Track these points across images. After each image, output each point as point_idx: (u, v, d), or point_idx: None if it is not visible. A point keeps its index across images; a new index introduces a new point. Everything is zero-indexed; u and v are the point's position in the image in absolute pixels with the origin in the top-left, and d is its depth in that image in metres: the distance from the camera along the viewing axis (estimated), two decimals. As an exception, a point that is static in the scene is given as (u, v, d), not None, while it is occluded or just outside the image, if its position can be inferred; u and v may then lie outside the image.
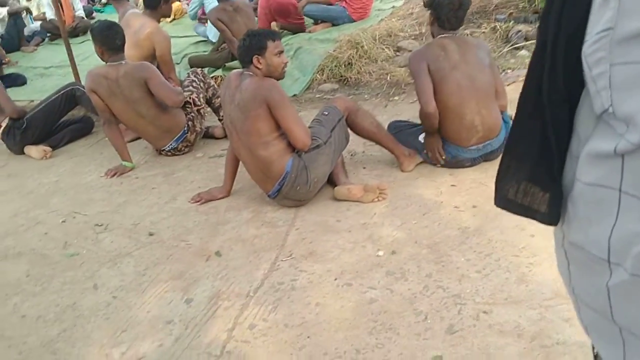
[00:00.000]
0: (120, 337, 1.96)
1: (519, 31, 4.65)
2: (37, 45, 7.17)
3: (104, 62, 3.33)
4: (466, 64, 2.72)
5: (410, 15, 5.87)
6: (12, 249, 2.66)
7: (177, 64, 5.04)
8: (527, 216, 0.74)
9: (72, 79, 4.58)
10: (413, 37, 5.12)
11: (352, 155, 3.21)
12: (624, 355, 0.62)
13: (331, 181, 2.79)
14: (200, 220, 2.72)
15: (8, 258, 2.58)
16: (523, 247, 2.18)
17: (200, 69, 3.88)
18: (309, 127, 2.68)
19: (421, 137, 2.94)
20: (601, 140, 0.59)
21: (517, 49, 4.51)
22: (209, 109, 3.76)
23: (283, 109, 2.52)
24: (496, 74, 2.83)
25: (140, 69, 3.29)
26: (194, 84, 3.62)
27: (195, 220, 2.73)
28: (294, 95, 4.35)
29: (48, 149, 3.86)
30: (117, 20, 3.80)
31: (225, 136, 3.46)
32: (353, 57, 4.60)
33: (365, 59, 4.62)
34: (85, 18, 7.76)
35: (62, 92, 3.98)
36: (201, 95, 3.61)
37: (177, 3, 7.58)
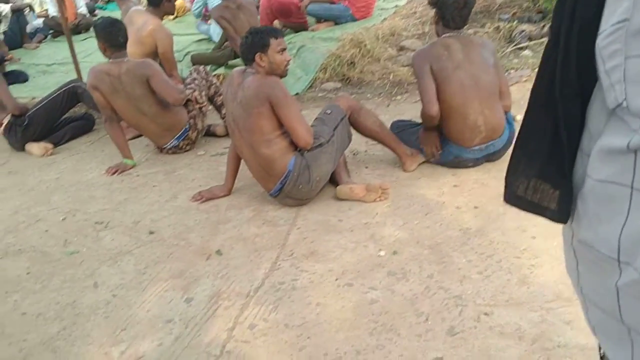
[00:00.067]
0: (119, 336, 1.95)
1: (523, 31, 4.63)
2: (40, 42, 7.16)
3: (107, 59, 3.32)
4: (470, 63, 2.70)
5: (413, 15, 5.86)
6: (13, 246, 2.66)
7: (180, 61, 5.03)
8: (536, 213, 0.73)
9: (74, 76, 4.58)
10: (416, 37, 5.11)
11: (354, 154, 3.20)
12: (632, 356, 0.61)
13: (333, 180, 2.79)
14: (201, 219, 2.71)
15: (8, 255, 2.58)
16: (524, 249, 2.17)
17: (202, 66, 3.87)
18: (312, 126, 2.67)
19: (423, 137, 2.93)
20: (613, 136, 0.58)
21: (521, 49, 4.50)
22: (210, 106, 3.75)
23: (286, 107, 2.51)
24: (501, 74, 2.82)
25: (143, 67, 3.28)
26: (196, 82, 3.61)
27: (196, 219, 2.72)
28: (297, 93, 4.34)
29: (49, 146, 3.86)
30: (119, 18, 3.80)
31: (227, 134, 3.46)
32: (356, 56, 4.59)
33: (368, 58, 4.61)
34: (88, 15, 7.75)
35: (64, 89, 3.98)
36: (203, 93, 3.60)
37: (180, 0, 7.56)
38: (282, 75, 2.63)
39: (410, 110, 3.73)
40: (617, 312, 0.61)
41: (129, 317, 2.05)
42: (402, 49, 4.89)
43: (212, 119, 3.85)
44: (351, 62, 4.58)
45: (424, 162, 2.96)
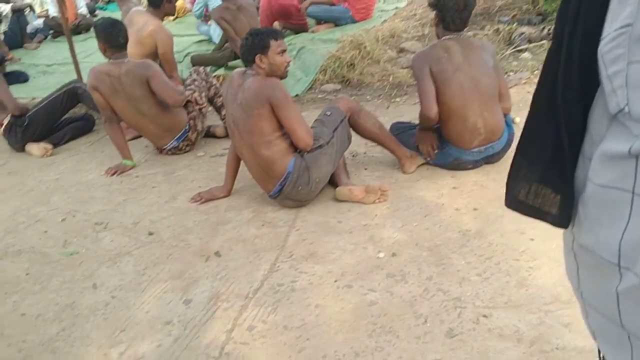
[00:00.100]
0: (119, 337, 1.95)
1: (522, 33, 4.64)
2: (40, 42, 7.17)
3: (107, 59, 3.32)
4: (470, 65, 2.71)
5: (413, 17, 5.86)
6: (12, 246, 2.66)
7: (180, 62, 5.04)
8: (538, 218, 0.73)
9: (74, 77, 4.57)
10: (416, 39, 5.11)
11: (353, 156, 3.21)
12: None
13: (332, 182, 2.79)
14: (200, 220, 2.72)
15: (8, 256, 2.58)
16: (523, 251, 2.17)
17: (202, 67, 3.87)
18: (312, 127, 2.67)
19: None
20: (615, 141, 0.58)
21: (520, 51, 4.50)
22: (210, 107, 3.76)
23: (286, 108, 2.52)
24: (500, 77, 2.82)
25: (143, 67, 3.28)
26: (196, 83, 3.62)
27: (195, 220, 2.72)
28: (297, 95, 4.34)
29: (49, 146, 3.86)
30: (120, 18, 3.80)
31: (227, 135, 3.46)
32: (356, 57, 4.60)
33: (367, 59, 4.62)
34: (88, 15, 7.76)
35: (64, 89, 3.98)
36: (203, 94, 3.61)
37: (181, 1, 7.57)
38: (282, 76, 2.64)
39: (409, 112, 3.74)
40: (617, 316, 0.61)
41: (128, 319, 2.05)
42: (401, 50, 4.89)
43: (212, 120, 3.85)
44: (351, 64, 4.59)
45: (423, 164, 2.97)
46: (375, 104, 4.05)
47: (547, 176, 0.70)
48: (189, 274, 2.28)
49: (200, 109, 3.58)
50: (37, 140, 3.88)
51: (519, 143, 0.74)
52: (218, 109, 3.72)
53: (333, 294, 2.06)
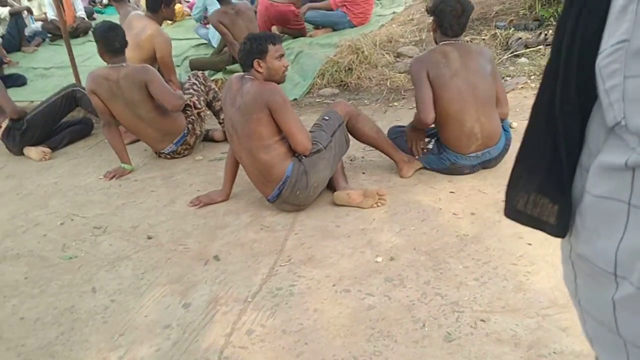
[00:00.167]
0: (117, 341, 1.96)
1: (519, 38, 4.66)
2: (38, 45, 7.16)
3: (105, 63, 3.33)
4: (467, 71, 2.72)
5: (410, 21, 5.89)
6: (11, 250, 2.66)
7: (178, 66, 5.05)
8: (536, 227, 0.74)
9: (72, 80, 4.59)
10: (413, 43, 5.13)
11: (351, 160, 3.22)
12: None
13: (331, 186, 2.80)
14: (198, 224, 2.72)
15: (6, 259, 2.58)
16: (521, 256, 2.19)
17: (201, 71, 3.89)
18: (310, 132, 2.69)
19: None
20: (612, 153, 0.60)
21: (517, 56, 4.53)
22: (209, 112, 3.77)
23: (285, 113, 2.53)
24: (498, 82, 2.84)
25: (141, 72, 3.29)
26: (195, 87, 3.63)
27: (193, 224, 2.73)
28: (295, 99, 4.36)
29: (47, 150, 3.86)
30: (118, 22, 3.81)
31: (225, 139, 3.47)
32: (353, 62, 4.62)
33: (365, 64, 4.64)
34: (86, 19, 7.76)
35: (62, 93, 3.99)
36: (202, 98, 3.62)
37: (179, 5, 7.58)
38: (280, 81, 2.65)
39: (407, 116, 3.75)
40: (614, 324, 0.62)
41: (127, 322, 2.05)
42: (399, 55, 4.91)
43: (211, 124, 3.86)
44: (349, 68, 4.60)
45: (420, 168, 2.98)
46: (372, 108, 4.07)
47: (545, 186, 0.71)
48: (187, 278, 2.29)
49: (198, 113, 3.59)
50: (35, 143, 3.89)
51: (518, 153, 0.75)
52: (216, 113, 3.73)
53: (331, 298, 2.06)
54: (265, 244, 2.49)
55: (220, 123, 3.74)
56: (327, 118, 2.79)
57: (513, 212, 0.76)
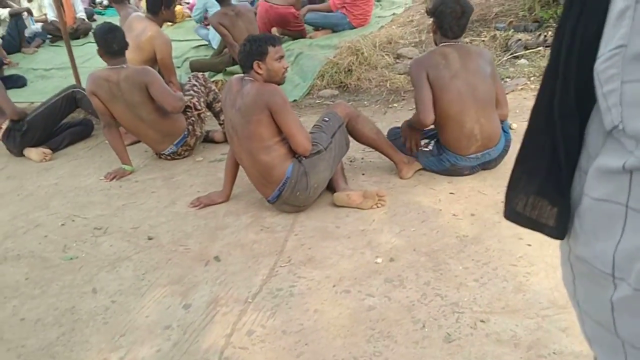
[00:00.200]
0: (118, 342, 1.96)
1: (519, 40, 4.68)
2: (38, 46, 7.17)
3: (106, 64, 3.34)
4: (467, 72, 2.73)
5: (410, 23, 5.90)
6: (12, 251, 2.66)
7: (178, 67, 5.06)
8: (535, 229, 0.75)
9: (73, 81, 4.59)
10: (413, 45, 5.15)
11: (351, 161, 3.23)
12: None
13: (330, 187, 2.81)
14: (199, 225, 2.73)
15: (7, 260, 2.59)
16: (520, 257, 2.19)
17: (201, 73, 3.89)
18: (310, 133, 2.69)
19: (420, 144, 2.96)
20: (610, 157, 0.60)
21: (517, 57, 4.54)
22: (209, 113, 3.78)
23: (285, 113, 2.53)
24: (498, 83, 2.85)
25: (142, 74, 3.30)
26: (195, 88, 3.63)
27: (194, 225, 2.73)
28: (294, 100, 4.36)
29: (48, 151, 3.87)
30: (118, 23, 3.82)
31: (225, 140, 3.48)
32: (353, 63, 4.63)
33: (365, 65, 4.64)
34: (87, 20, 7.77)
35: (62, 94, 3.99)
36: (202, 100, 3.63)
37: (179, 7, 7.59)
38: (280, 82, 2.66)
39: (406, 117, 3.70)
40: (612, 325, 0.63)
41: (127, 323, 2.06)
42: (399, 56, 4.92)
43: (211, 125, 3.87)
44: (348, 70, 4.61)
45: (420, 170, 2.99)
46: (372, 110, 4.08)
47: (544, 188, 0.72)
48: (188, 279, 2.29)
49: (199, 115, 3.60)
50: (35, 145, 3.89)
51: (518, 155, 0.76)
52: (216, 114, 3.74)
53: (331, 299, 2.07)
54: (266, 244, 2.49)
55: (220, 124, 3.74)
56: (327, 119, 2.80)
57: (512, 213, 0.77)
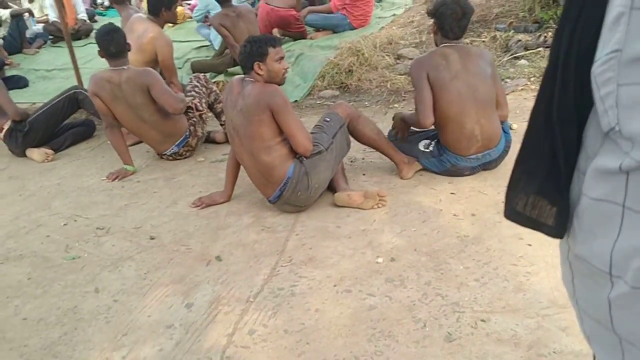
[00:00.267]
0: (121, 341, 1.97)
1: (519, 40, 4.69)
2: (39, 47, 7.19)
3: (108, 65, 3.36)
4: (467, 73, 2.74)
5: (410, 24, 5.92)
6: (14, 251, 2.68)
7: (180, 68, 5.07)
8: (534, 229, 0.76)
9: (74, 82, 4.60)
10: (413, 45, 5.16)
11: (352, 161, 3.24)
12: None
13: (331, 187, 2.82)
14: (201, 225, 2.74)
15: (9, 260, 2.60)
16: (521, 256, 2.20)
17: (202, 74, 3.91)
18: (311, 133, 2.70)
19: (421, 145, 2.97)
20: (607, 157, 0.62)
21: (517, 58, 4.55)
22: (210, 114, 3.79)
23: (286, 114, 2.55)
24: (498, 84, 2.86)
25: (143, 75, 3.31)
26: (196, 89, 3.65)
27: (196, 225, 2.75)
28: (295, 101, 4.37)
29: (50, 151, 3.88)
30: (119, 24, 3.83)
31: (227, 141, 3.49)
32: (354, 64, 4.64)
33: (365, 66, 4.66)
34: (88, 21, 7.79)
35: (64, 95, 4.01)
36: (203, 101, 3.64)
37: (180, 8, 7.60)
38: (280, 83, 2.67)
39: (408, 118, 3.77)
40: (610, 323, 0.64)
41: (130, 322, 2.07)
42: (399, 57, 4.93)
43: (212, 125, 3.88)
44: (349, 70, 4.63)
45: (420, 170, 3.00)
46: (373, 110, 4.09)
47: (544, 189, 0.73)
48: (190, 278, 2.30)
49: (200, 115, 3.61)
50: (37, 145, 3.90)
51: (518, 156, 0.77)
52: (218, 115, 3.75)
53: (332, 299, 2.08)
54: (267, 244, 2.50)
55: (221, 125, 3.76)
56: (328, 120, 2.81)
57: (512, 213, 0.78)
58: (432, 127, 2.84)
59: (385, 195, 2.72)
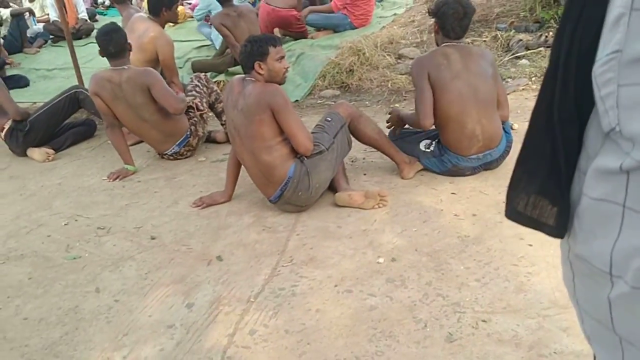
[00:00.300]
0: (121, 341, 1.97)
1: (520, 40, 4.68)
2: (40, 47, 7.19)
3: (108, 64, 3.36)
4: (468, 73, 2.74)
5: (411, 23, 5.91)
6: (15, 251, 2.68)
7: (180, 68, 5.07)
8: (535, 228, 0.76)
9: (75, 82, 4.60)
10: (414, 45, 5.15)
11: (352, 161, 3.24)
12: None
13: (332, 187, 2.82)
14: (201, 225, 2.74)
15: (10, 260, 2.60)
16: (522, 257, 2.20)
17: (203, 73, 3.90)
18: (312, 133, 2.70)
19: (422, 145, 2.97)
20: (608, 158, 0.62)
21: (518, 58, 4.54)
22: (211, 113, 3.79)
23: (286, 113, 2.55)
24: (499, 84, 2.85)
25: (144, 75, 3.31)
26: (197, 89, 3.65)
27: (196, 225, 2.75)
28: (296, 101, 4.37)
29: (51, 151, 3.88)
30: (120, 23, 3.83)
31: (227, 141, 3.49)
32: (354, 63, 4.64)
33: (366, 65, 4.66)
34: (89, 21, 7.79)
35: (65, 94, 4.01)
36: (204, 100, 3.64)
37: (181, 7, 7.60)
38: (281, 82, 2.67)
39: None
40: (610, 322, 0.64)
41: (130, 322, 2.07)
42: (400, 57, 4.93)
43: (213, 125, 3.88)
44: (350, 70, 4.62)
45: (421, 170, 3.00)
46: (374, 110, 4.08)
47: (545, 189, 0.73)
48: (191, 278, 2.30)
49: (201, 115, 3.61)
50: (38, 145, 3.90)
51: (519, 155, 0.77)
52: (219, 115, 3.75)
53: (333, 299, 2.08)
54: (268, 244, 2.50)
55: (222, 124, 3.76)
56: (329, 119, 2.81)
57: (513, 213, 0.78)
58: (433, 127, 2.84)
59: (386, 195, 2.72)
